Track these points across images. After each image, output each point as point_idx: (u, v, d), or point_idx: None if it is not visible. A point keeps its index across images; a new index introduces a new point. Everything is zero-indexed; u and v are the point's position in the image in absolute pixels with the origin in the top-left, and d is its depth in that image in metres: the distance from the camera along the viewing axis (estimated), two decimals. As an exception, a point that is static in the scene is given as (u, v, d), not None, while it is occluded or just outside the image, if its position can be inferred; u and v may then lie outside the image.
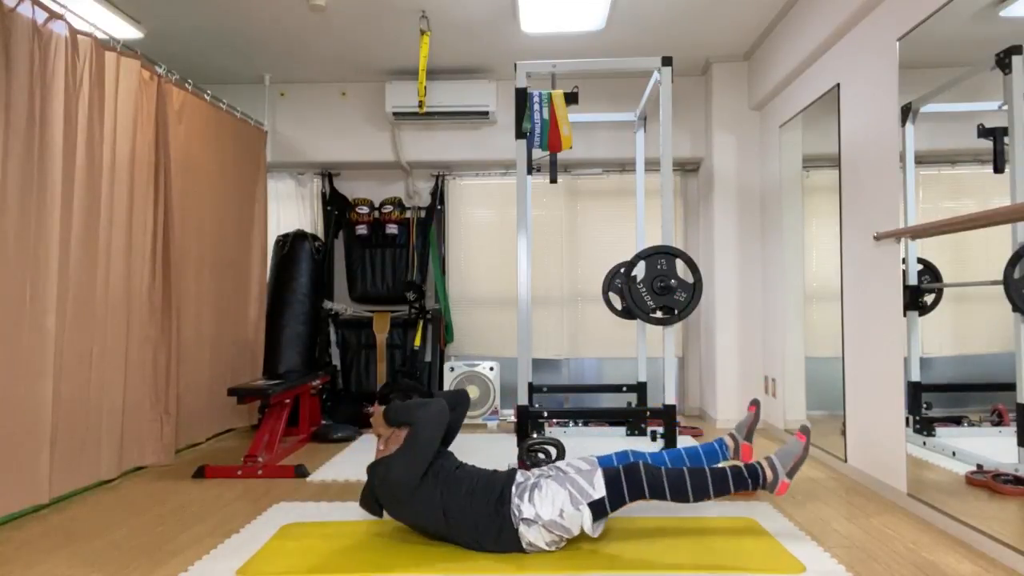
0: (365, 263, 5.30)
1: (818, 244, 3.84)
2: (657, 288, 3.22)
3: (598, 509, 2.25)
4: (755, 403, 2.88)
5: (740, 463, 2.44)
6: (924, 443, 2.74)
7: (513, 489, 2.32)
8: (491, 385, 4.88)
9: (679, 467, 2.35)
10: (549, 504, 2.25)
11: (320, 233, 5.41)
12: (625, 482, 2.27)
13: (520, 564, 2.21)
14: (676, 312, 3.24)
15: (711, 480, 2.31)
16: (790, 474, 2.37)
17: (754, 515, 2.73)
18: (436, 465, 2.39)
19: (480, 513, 2.29)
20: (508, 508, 2.27)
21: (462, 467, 2.48)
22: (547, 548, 2.28)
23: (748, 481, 2.34)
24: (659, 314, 3.25)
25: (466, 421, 4.83)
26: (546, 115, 3.47)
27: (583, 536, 2.39)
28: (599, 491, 2.26)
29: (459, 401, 2.77)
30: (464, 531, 2.30)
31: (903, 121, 2.88)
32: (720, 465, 2.40)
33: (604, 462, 2.53)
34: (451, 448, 2.95)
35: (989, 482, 2.37)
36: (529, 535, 2.26)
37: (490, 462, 3.62)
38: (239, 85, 5.24)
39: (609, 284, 4.47)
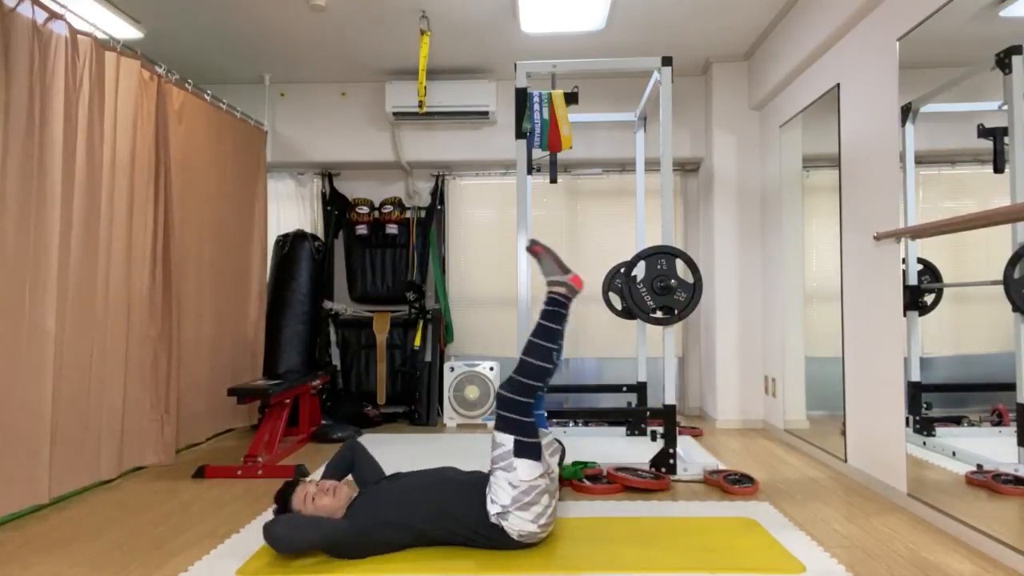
0: (365, 263, 5.30)
1: (818, 244, 3.84)
2: (657, 288, 3.22)
3: (524, 449, 2.28)
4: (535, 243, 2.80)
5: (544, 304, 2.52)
6: (924, 443, 2.74)
7: (486, 491, 2.34)
8: (491, 385, 4.88)
9: (521, 355, 2.44)
10: (501, 490, 2.27)
11: (320, 233, 5.41)
12: (509, 411, 2.33)
13: (521, 564, 2.21)
14: (676, 312, 3.24)
15: (542, 332, 2.44)
16: (566, 270, 2.57)
17: (754, 515, 2.73)
18: (372, 506, 2.34)
19: (468, 524, 2.30)
20: (486, 512, 2.29)
21: (420, 485, 2.42)
22: (537, 528, 2.28)
23: (560, 305, 2.49)
24: (659, 314, 3.25)
25: (466, 421, 4.84)
26: (546, 115, 3.47)
27: (583, 536, 2.39)
28: (507, 441, 2.30)
29: (350, 460, 2.71)
30: (457, 538, 2.32)
31: (903, 121, 2.88)
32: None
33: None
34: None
35: (989, 482, 2.37)
36: (513, 526, 2.26)
37: (487, 462, 3.61)
38: (239, 85, 5.24)
39: (609, 284, 4.47)
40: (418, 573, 2.16)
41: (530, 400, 2.34)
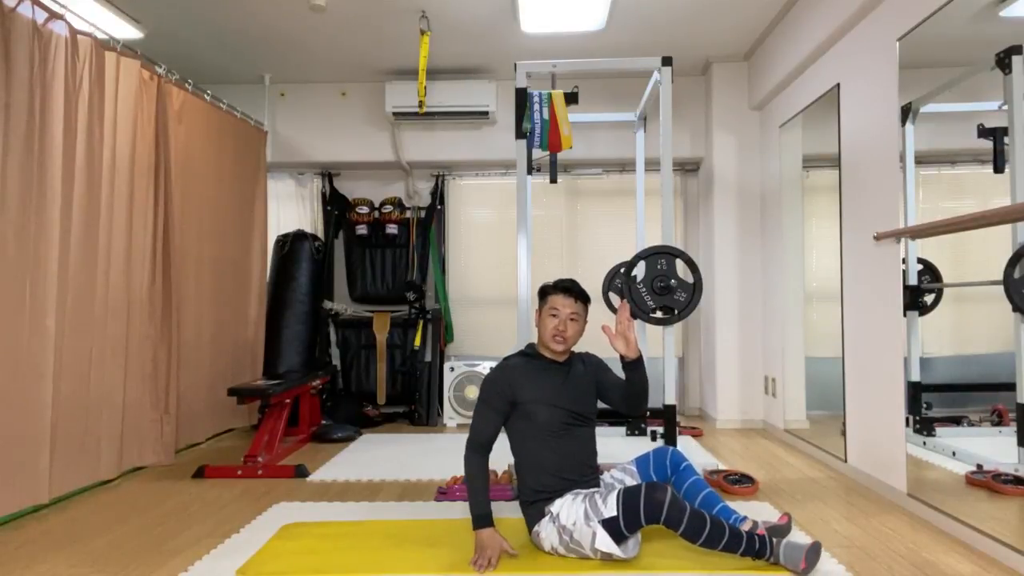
0: (365, 263, 5.30)
1: (818, 244, 3.84)
2: (657, 288, 3.21)
3: (613, 528, 2.13)
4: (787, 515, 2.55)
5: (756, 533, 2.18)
6: (924, 443, 2.74)
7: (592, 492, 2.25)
8: (491, 385, 4.87)
9: (702, 512, 2.13)
10: (570, 509, 2.22)
11: (320, 233, 5.41)
12: (635, 510, 2.09)
13: (521, 564, 2.21)
14: (676, 312, 3.24)
15: (727, 536, 2.11)
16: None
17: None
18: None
19: (547, 475, 2.29)
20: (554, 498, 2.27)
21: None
22: (545, 547, 2.26)
23: (756, 551, 2.15)
24: (659, 314, 3.25)
25: (466, 421, 4.84)
26: (546, 115, 3.46)
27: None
28: (612, 508, 2.13)
29: None
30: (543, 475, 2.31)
31: (903, 121, 2.88)
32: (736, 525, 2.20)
33: (641, 465, 2.50)
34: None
35: (989, 482, 2.37)
36: (542, 530, 2.25)
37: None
38: (239, 85, 5.24)
39: (609, 284, 4.47)
40: (419, 573, 2.16)
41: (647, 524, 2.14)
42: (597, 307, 5.16)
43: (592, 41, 4.48)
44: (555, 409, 2.33)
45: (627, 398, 2.44)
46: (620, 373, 2.51)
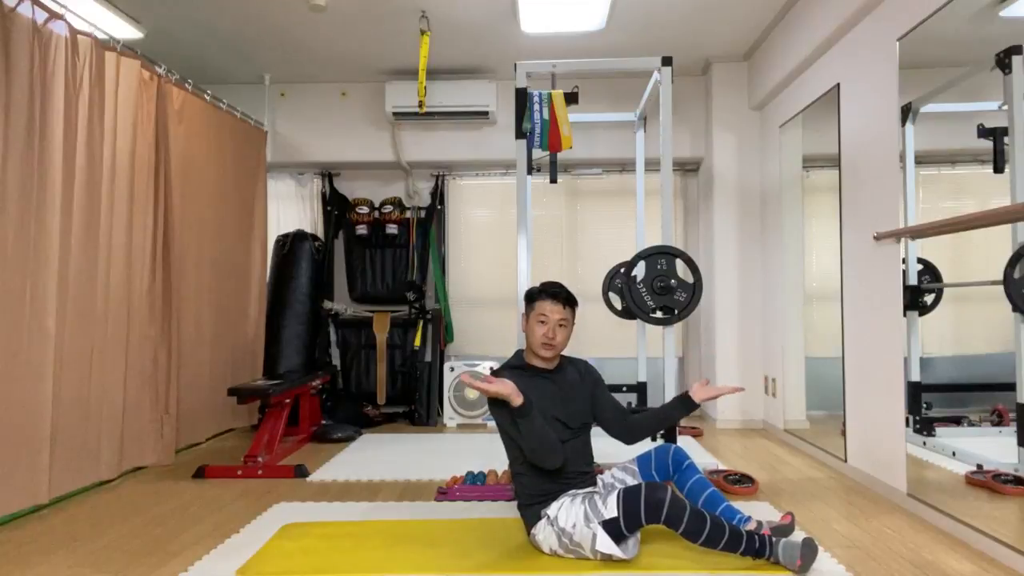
0: (365, 263, 5.30)
1: (818, 244, 3.84)
2: (657, 288, 3.21)
3: (613, 529, 2.12)
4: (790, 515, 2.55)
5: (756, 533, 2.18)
6: (924, 443, 2.74)
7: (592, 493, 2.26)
8: (491, 385, 4.87)
9: (702, 511, 2.13)
10: (570, 510, 2.22)
11: (320, 233, 5.41)
12: (635, 510, 2.08)
13: (522, 564, 2.21)
14: (676, 312, 3.24)
15: (727, 537, 2.11)
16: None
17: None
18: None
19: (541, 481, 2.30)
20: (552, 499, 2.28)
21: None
22: (544, 549, 2.27)
23: (756, 550, 2.14)
24: (659, 314, 3.25)
25: (466, 421, 4.84)
26: (546, 115, 3.46)
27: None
28: (613, 509, 2.12)
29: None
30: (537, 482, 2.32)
31: (903, 121, 2.88)
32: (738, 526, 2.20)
33: (642, 463, 2.51)
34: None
35: (989, 482, 2.37)
36: (540, 533, 2.26)
37: (488, 462, 3.62)
38: (239, 85, 5.24)
39: (609, 284, 4.46)
40: (419, 573, 2.16)
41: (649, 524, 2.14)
42: (597, 307, 5.17)
43: (592, 41, 4.48)
44: (548, 422, 2.30)
45: (636, 425, 2.47)
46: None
